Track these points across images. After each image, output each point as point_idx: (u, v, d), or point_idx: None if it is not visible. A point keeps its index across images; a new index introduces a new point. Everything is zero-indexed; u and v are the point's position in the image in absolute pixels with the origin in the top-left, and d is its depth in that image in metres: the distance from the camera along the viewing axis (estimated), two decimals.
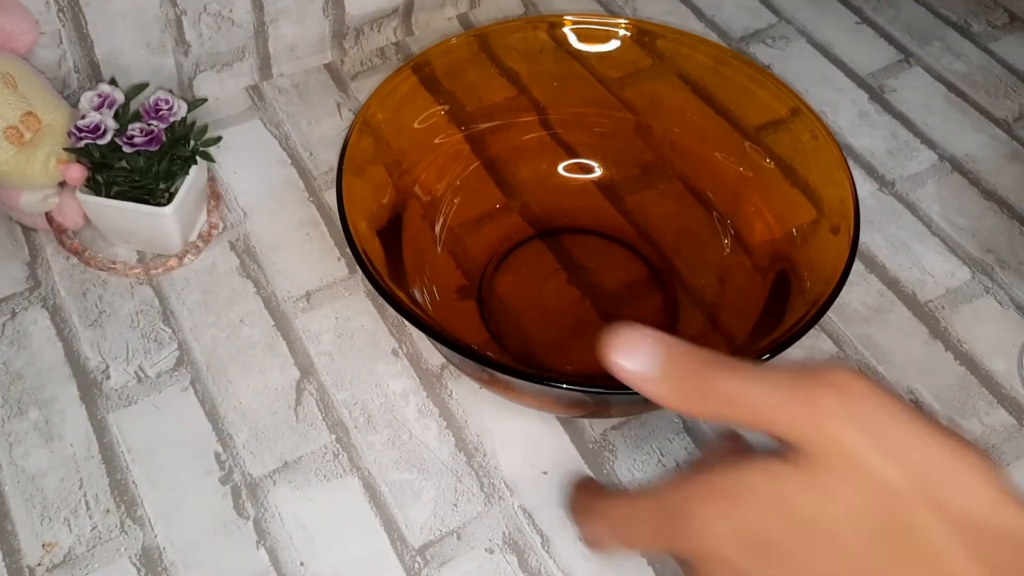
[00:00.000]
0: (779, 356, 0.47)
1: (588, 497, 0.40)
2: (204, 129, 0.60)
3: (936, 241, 0.65)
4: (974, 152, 0.70)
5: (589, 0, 0.80)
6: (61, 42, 0.62)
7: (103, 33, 0.63)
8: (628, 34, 0.62)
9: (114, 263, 0.60)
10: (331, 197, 0.65)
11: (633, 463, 0.54)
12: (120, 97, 0.58)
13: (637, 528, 0.35)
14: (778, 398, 0.31)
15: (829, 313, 0.60)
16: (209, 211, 0.63)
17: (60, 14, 0.61)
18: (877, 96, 0.74)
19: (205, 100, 0.62)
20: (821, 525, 0.30)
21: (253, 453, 0.53)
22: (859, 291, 0.62)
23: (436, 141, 0.60)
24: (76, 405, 0.55)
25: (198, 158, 0.59)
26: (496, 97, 0.62)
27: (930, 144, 0.71)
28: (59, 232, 0.61)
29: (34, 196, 0.58)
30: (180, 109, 0.58)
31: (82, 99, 0.57)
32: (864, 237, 0.65)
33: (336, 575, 0.49)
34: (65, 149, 0.57)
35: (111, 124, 0.56)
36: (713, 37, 0.77)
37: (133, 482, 0.52)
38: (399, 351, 0.58)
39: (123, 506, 0.51)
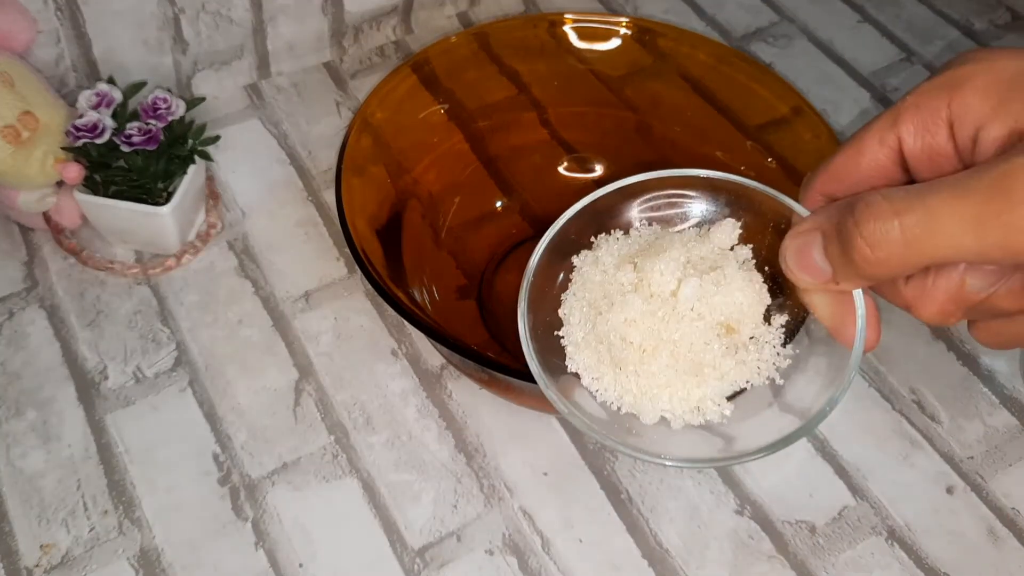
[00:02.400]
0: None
1: (839, 223, 0.29)
2: (202, 128, 0.60)
3: None
4: None
5: None
6: (59, 40, 0.62)
7: (101, 31, 0.63)
8: (629, 32, 0.62)
9: (112, 263, 0.60)
10: (330, 196, 0.65)
11: (634, 464, 0.54)
12: (118, 96, 0.58)
13: (939, 238, 0.26)
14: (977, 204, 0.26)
15: None
16: (207, 211, 0.63)
17: (58, 12, 0.61)
18: (879, 95, 0.74)
19: (203, 99, 0.62)
20: None
21: (252, 454, 0.53)
22: None
23: (436, 140, 0.60)
24: (74, 406, 0.55)
25: (196, 157, 0.59)
26: (496, 96, 0.62)
27: None
28: (57, 232, 0.61)
29: (32, 195, 0.58)
30: (178, 108, 0.58)
31: (80, 98, 0.57)
32: None
33: None
34: (63, 148, 0.57)
35: (109, 123, 0.56)
36: (714, 35, 0.77)
37: (131, 483, 0.52)
38: (398, 351, 0.58)
39: (121, 507, 0.51)
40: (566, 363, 0.36)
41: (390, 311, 0.58)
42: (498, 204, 0.62)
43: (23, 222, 0.62)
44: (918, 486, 0.53)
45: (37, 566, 0.49)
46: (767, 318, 0.35)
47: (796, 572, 0.50)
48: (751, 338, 0.35)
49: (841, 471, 0.54)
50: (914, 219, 0.27)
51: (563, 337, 0.37)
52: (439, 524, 0.51)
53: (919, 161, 0.30)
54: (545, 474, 0.53)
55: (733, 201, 0.36)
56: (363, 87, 0.72)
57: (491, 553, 0.50)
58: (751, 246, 0.35)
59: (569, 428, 0.55)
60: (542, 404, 0.53)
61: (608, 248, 0.37)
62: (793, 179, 0.56)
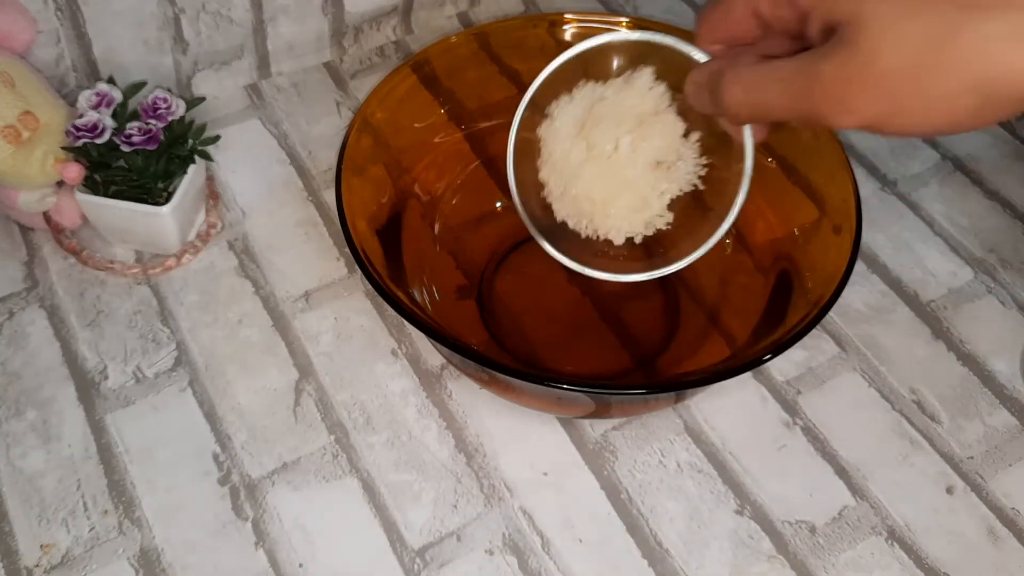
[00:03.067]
0: (781, 357, 0.47)
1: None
2: (202, 128, 0.60)
3: (938, 241, 0.65)
4: (976, 151, 0.70)
5: None
6: (59, 40, 0.62)
7: (101, 31, 0.63)
8: None
9: (112, 263, 0.60)
10: (330, 196, 0.65)
11: (634, 464, 0.54)
12: (118, 96, 0.58)
13: (767, 99, 0.37)
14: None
15: (831, 313, 0.59)
16: (207, 210, 0.63)
17: (58, 12, 0.61)
18: None
19: (203, 99, 0.62)
20: None
21: (252, 454, 0.53)
22: (861, 291, 0.62)
23: (436, 140, 0.60)
24: (74, 406, 0.55)
25: (196, 157, 0.59)
26: (496, 96, 0.62)
27: (932, 143, 0.71)
28: (57, 232, 0.61)
29: (32, 195, 0.58)
30: (178, 108, 0.57)
31: (80, 98, 0.57)
32: (866, 237, 0.64)
33: None
34: (63, 148, 0.57)
35: (109, 123, 0.56)
36: None
37: (131, 483, 0.52)
38: (398, 351, 0.58)
39: (121, 507, 0.51)
40: (554, 215, 0.49)
41: (390, 311, 0.58)
42: (498, 204, 0.62)
43: (23, 222, 0.62)
44: (918, 486, 0.53)
45: (37, 566, 0.49)
46: (686, 135, 0.47)
47: (796, 572, 0.50)
48: (678, 160, 0.47)
49: (841, 471, 0.54)
50: (750, 85, 0.38)
51: (546, 196, 0.49)
52: (439, 524, 0.51)
53: (772, 22, 0.38)
54: (545, 474, 0.53)
55: (656, 53, 0.46)
56: (363, 87, 0.72)
57: (491, 553, 0.50)
58: (666, 85, 0.46)
59: (569, 428, 0.55)
60: (542, 404, 0.53)
61: (561, 113, 0.48)
62: (792, 179, 0.56)
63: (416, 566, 0.50)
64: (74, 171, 0.56)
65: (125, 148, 0.55)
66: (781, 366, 0.58)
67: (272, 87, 0.71)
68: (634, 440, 0.55)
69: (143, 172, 0.56)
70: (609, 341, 0.58)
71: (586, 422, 0.55)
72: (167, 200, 0.57)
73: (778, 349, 0.47)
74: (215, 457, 0.53)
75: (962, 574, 0.50)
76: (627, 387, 0.51)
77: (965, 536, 0.52)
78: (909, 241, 0.65)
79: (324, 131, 0.69)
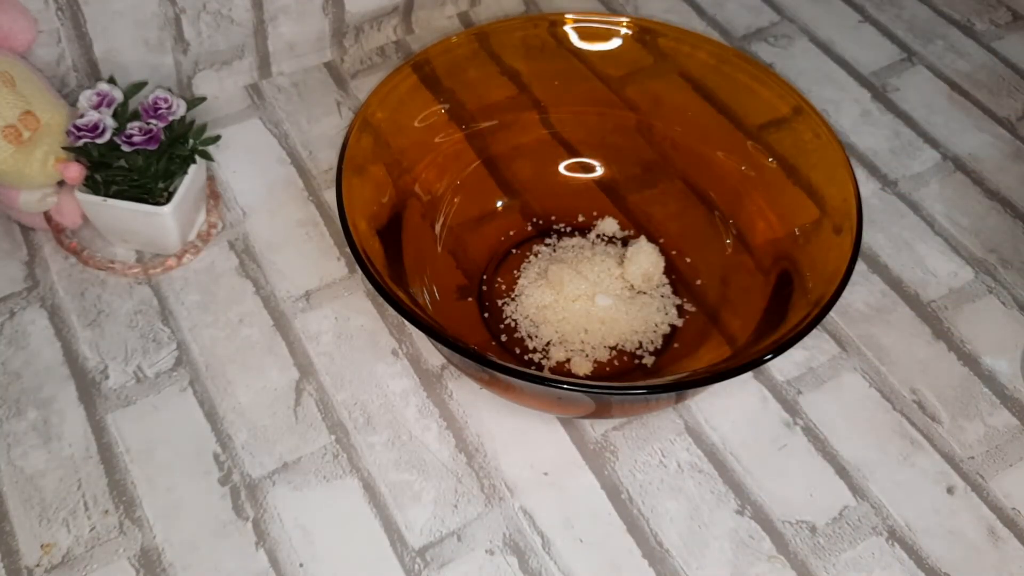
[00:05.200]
0: (781, 356, 0.47)
1: None
2: (203, 128, 0.60)
3: (939, 241, 0.65)
4: (977, 151, 0.70)
5: None
6: (60, 40, 0.62)
7: (102, 31, 0.63)
8: (629, 32, 0.62)
9: (112, 263, 0.60)
10: (331, 196, 0.65)
11: (635, 464, 0.54)
12: (119, 96, 0.58)
13: None
14: None
15: (832, 313, 0.60)
16: (208, 210, 0.63)
17: (59, 12, 0.61)
18: (880, 95, 0.74)
19: (204, 99, 0.62)
20: None
21: (252, 454, 0.53)
22: (862, 291, 0.62)
23: (436, 140, 0.60)
24: (75, 405, 0.55)
25: (197, 157, 0.59)
26: (497, 96, 0.62)
27: (933, 143, 0.71)
28: (57, 231, 0.61)
29: (32, 195, 0.58)
30: (179, 108, 0.57)
31: (81, 98, 0.57)
32: (867, 237, 0.64)
33: None
34: (64, 148, 0.57)
35: (110, 123, 0.56)
36: (715, 35, 0.77)
37: (132, 483, 0.52)
38: (399, 351, 0.58)
39: (122, 507, 0.51)
40: None
41: (390, 311, 0.58)
42: (498, 204, 0.62)
43: (24, 222, 0.62)
44: (918, 486, 0.53)
45: (38, 566, 0.49)
46: None
47: (796, 572, 0.50)
48: None
49: (841, 471, 0.54)
50: None
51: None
52: (439, 524, 0.51)
53: None
54: (545, 474, 0.53)
55: None
56: (364, 87, 0.72)
57: (491, 553, 0.50)
58: None
59: (570, 428, 0.55)
60: (543, 404, 0.53)
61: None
62: (793, 179, 0.56)
63: (416, 566, 0.50)
64: (75, 171, 0.56)
65: (126, 148, 0.55)
66: (781, 366, 0.58)
67: (273, 87, 0.71)
68: (634, 440, 0.55)
69: (144, 172, 0.56)
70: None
71: (586, 422, 0.55)
72: (168, 200, 0.57)
73: (779, 349, 0.47)
74: (215, 457, 0.53)
75: (962, 574, 0.50)
76: (627, 387, 0.51)
77: (966, 536, 0.52)
78: (910, 241, 0.65)
79: (325, 131, 0.69)
